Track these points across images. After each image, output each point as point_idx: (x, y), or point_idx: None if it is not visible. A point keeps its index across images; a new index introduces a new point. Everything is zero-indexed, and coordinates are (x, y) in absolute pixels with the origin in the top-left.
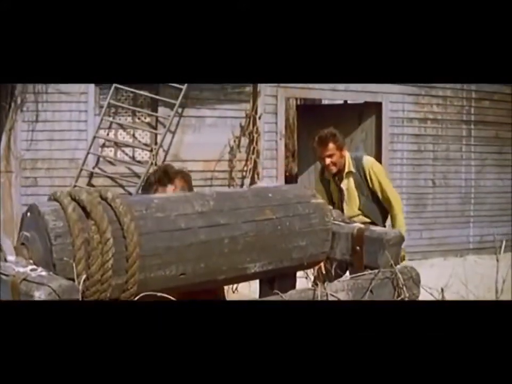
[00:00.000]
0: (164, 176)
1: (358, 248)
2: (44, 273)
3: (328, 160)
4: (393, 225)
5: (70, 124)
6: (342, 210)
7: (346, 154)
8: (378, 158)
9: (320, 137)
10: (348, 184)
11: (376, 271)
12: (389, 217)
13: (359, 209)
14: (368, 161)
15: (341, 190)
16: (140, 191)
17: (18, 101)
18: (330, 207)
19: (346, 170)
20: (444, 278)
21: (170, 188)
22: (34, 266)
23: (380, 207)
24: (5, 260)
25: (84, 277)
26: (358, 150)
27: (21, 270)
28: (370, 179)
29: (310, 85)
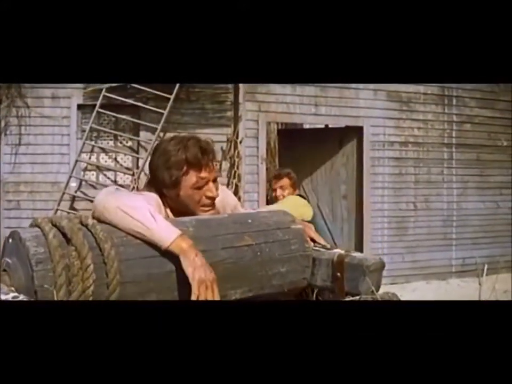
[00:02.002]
0: (204, 154)
1: (338, 274)
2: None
3: (279, 192)
4: None
5: (53, 147)
6: None
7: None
8: (360, 181)
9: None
10: None
11: (358, 297)
12: None
13: None
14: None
15: None
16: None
17: (2, 124)
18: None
19: None
20: None
21: (206, 172)
22: (16, 294)
23: None
24: None
25: None
26: (339, 174)
27: (3, 297)
28: None
29: (291, 109)
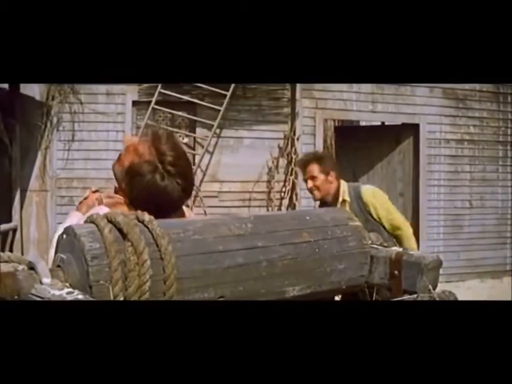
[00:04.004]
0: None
1: (396, 272)
2: (80, 296)
3: (310, 183)
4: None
5: (107, 143)
6: None
7: (342, 182)
8: (416, 179)
9: (301, 160)
10: None
11: (415, 295)
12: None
13: None
14: (367, 191)
15: None
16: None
17: (54, 120)
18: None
19: (340, 199)
20: None
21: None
22: (70, 289)
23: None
24: (40, 282)
25: (121, 299)
26: (396, 172)
27: (57, 293)
28: (375, 210)
29: (348, 106)
